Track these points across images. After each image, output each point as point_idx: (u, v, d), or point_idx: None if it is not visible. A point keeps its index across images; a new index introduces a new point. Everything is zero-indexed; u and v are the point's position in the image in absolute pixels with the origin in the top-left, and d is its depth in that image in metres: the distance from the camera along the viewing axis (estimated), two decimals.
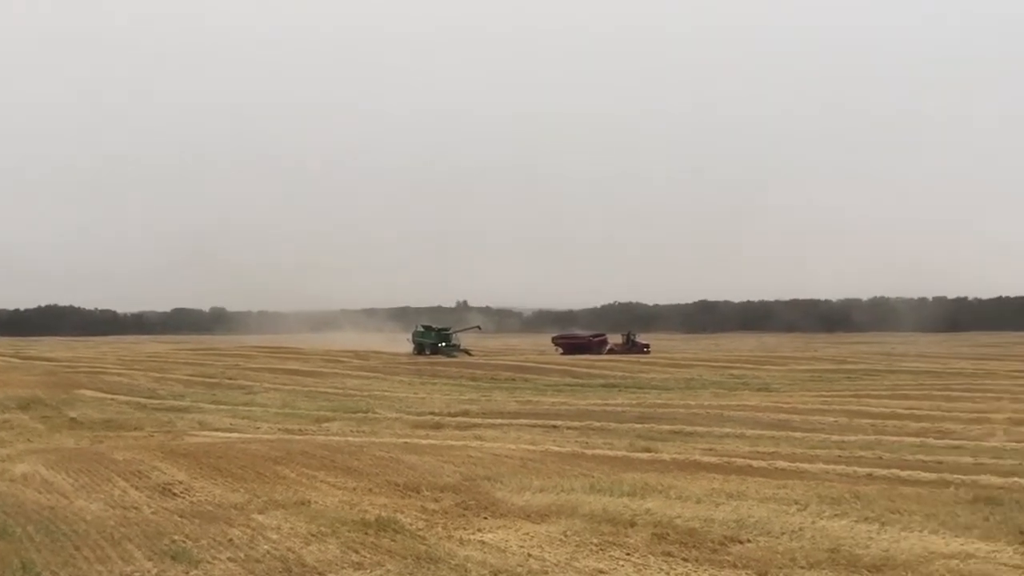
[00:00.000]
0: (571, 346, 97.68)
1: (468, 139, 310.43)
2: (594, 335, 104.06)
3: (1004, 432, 30.83)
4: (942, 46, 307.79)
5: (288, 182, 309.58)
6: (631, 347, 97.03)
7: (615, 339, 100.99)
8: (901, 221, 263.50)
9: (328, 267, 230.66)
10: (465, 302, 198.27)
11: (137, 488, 19.96)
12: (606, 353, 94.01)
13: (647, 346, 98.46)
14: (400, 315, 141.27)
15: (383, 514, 16.30)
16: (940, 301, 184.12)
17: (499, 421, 34.65)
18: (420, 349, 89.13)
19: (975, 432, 30.95)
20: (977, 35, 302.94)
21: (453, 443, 27.64)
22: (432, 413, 37.70)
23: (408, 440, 28.77)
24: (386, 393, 48.96)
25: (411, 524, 15.81)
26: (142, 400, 44.75)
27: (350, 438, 29.65)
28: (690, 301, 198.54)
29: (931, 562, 13.08)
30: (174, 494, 19.29)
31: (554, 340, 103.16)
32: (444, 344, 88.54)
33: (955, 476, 22.11)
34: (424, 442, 28.02)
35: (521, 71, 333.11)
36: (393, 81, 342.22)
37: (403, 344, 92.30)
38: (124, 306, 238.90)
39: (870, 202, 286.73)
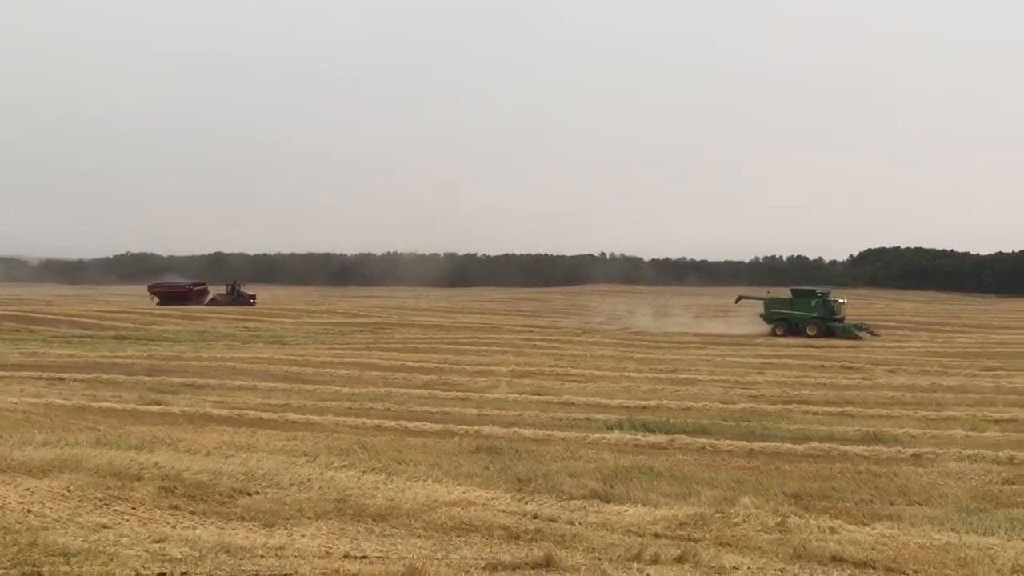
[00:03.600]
0: (169, 295, 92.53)
1: None
2: (194, 284, 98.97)
3: (507, 384, 32.51)
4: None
5: None
6: (236, 297, 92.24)
7: (217, 289, 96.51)
8: (418, 180, 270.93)
9: None
10: None
11: None
12: (208, 304, 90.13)
13: (253, 297, 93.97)
14: None
15: None
16: (451, 257, 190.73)
17: (1, 374, 32.94)
18: None
19: (480, 384, 32.45)
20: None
21: None
22: None
23: None
24: None
25: None
26: None
27: None
28: (205, 253, 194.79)
29: (434, 510, 13.59)
30: None
31: (150, 289, 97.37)
32: None
33: (460, 427, 23.14)
34: None
35: None
36: None
37: None
38: None
39: (395, 162, 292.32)
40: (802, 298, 62.77)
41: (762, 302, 65.06)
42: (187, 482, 14.90)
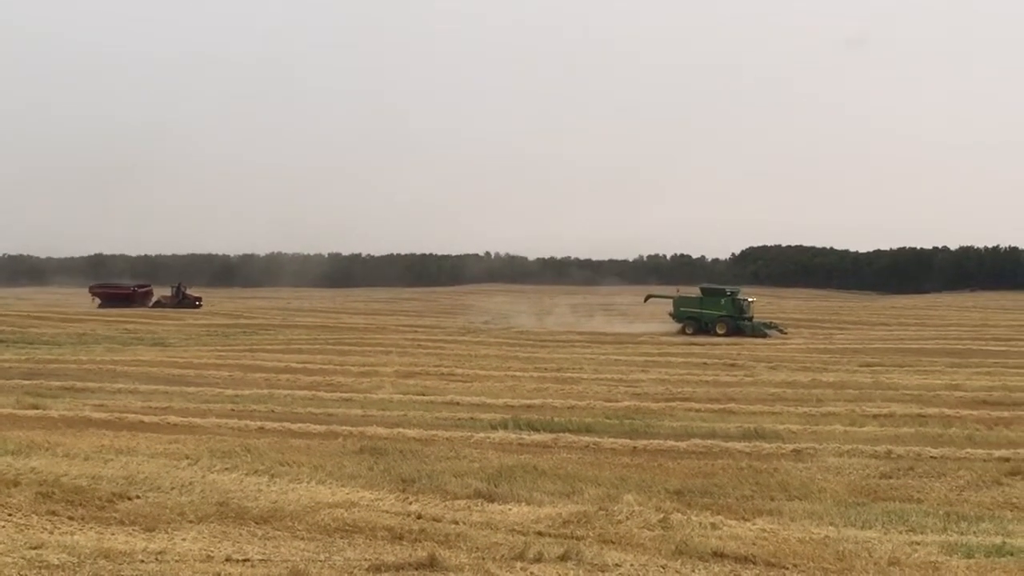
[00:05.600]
0: (111, 297, 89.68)
1: None
2: (139, 285, 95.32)
3: (392, 384, 32.42)
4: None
5: None
6: (181, 300, 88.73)
7: (163, 291, 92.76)
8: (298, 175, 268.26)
9: None
10: None
11: None
12: (152, 306, 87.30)
13: (199, 299, 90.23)
14: None
15: None
16: (335, 257, 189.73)
17: None
18: None
19: (365, 385, 32.34)
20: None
21: None
22: None
23: None
24: None
25: None
26: None
27: None
28: (85, 254, 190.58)
29: (317, 511, 13.54)
30: None
31: (91, 289, 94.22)
32: None
33: (344, 428, 23.06)
34: None
35: None
36: None
37: None
38: None
39: (275, 161, 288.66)
40: (711, 297, 62.88)
41: (671, 301, 65.22)
42: (65, 487, 14.65)
